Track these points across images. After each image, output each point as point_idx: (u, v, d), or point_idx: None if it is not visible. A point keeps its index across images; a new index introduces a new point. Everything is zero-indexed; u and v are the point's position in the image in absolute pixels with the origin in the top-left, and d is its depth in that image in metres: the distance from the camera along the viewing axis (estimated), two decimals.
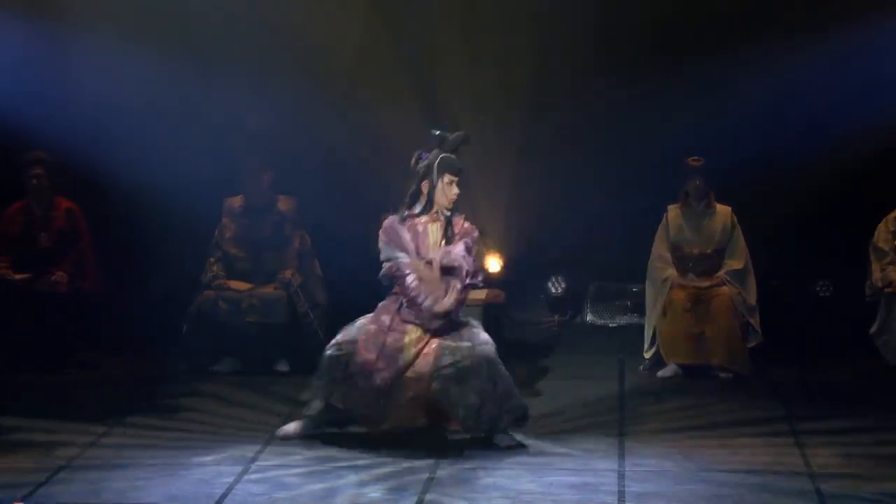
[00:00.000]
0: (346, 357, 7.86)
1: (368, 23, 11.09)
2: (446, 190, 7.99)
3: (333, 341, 7.99)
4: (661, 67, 10.81)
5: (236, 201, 10.31)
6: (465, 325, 7.96)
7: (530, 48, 11.01)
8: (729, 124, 10.79)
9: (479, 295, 9.77)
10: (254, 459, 7.48)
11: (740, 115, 10.83)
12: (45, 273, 10.16)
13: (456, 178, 7.99)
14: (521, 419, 7.89)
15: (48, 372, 9.85)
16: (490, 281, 10.30)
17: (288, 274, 10.11)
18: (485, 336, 7.90)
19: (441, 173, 7.97)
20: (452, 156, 7.99)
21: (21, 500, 6.61)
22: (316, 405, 7.96)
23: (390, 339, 7.83)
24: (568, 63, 10.99)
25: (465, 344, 7.83)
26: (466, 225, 8.06)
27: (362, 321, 7.99)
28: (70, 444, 7.76)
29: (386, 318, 7.92)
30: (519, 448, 7.76)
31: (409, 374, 7.78)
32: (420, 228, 7.99)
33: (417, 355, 7.80)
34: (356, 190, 10.92)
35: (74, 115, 10.50)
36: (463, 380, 7.75)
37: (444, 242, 7.97)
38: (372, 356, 7.79)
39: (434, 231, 8.00)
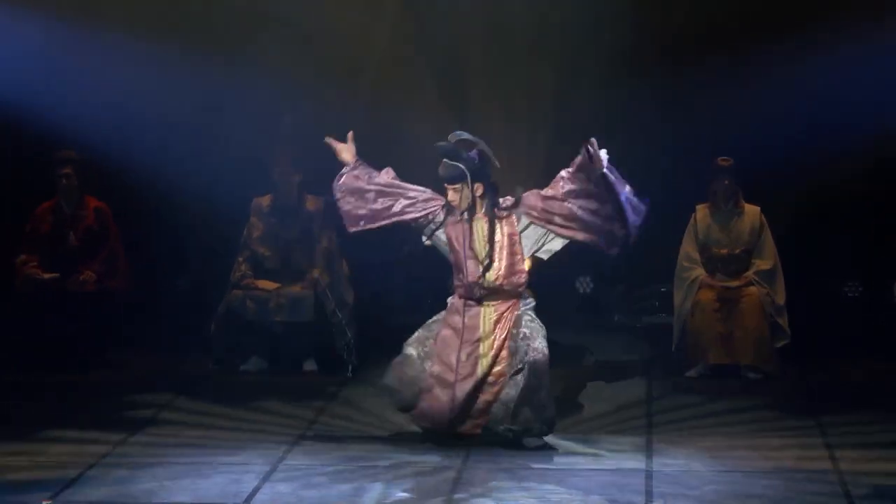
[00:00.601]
0: (422, 367, 7.87)
1: (397, 23, 11.09)
2: (447, 195, 8.00)
3: (414, 350, 7.95)
4: (684, 69, 10.79)
5: (265, 201, 10.32)
6: (531, 323, 7.93)
7: (557, 46, 10.99)
8: (748, 125, 10.77)
9: None
10: (281, 459, 7.49)
11: (752, 115, 10.81)
12: (74, 272, 10.19)
13: (450, 186, 7.94)
14: (549, 429, 7.89)
15: (76, 371, 9.88)
16: None
17: (316, 273, 10.11)
18: (541, 343, 7.86)
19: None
20: (447, 162, 7.92)
21: (50, 499, 6.63)
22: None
23: (466, 349, 7.84)
24: (594, 63, 10.97)
25: (522, 345, 7.83)
26: (507, 201, 8.00)
27: (428, 331, 8.00)
28: (99, 444, 7.78)
29: (457, 319, 7.92)
30: (546, 448, 7.75)
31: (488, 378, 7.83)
32: (466, 226, 7.96)
33: (495, 360, 7.82)
34: None
35: (103, 115, 10.52)
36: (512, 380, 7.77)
37: (489, 236, 7.93)
38: (450, 366, 7.80)
39: (479, 228, 7.97)
